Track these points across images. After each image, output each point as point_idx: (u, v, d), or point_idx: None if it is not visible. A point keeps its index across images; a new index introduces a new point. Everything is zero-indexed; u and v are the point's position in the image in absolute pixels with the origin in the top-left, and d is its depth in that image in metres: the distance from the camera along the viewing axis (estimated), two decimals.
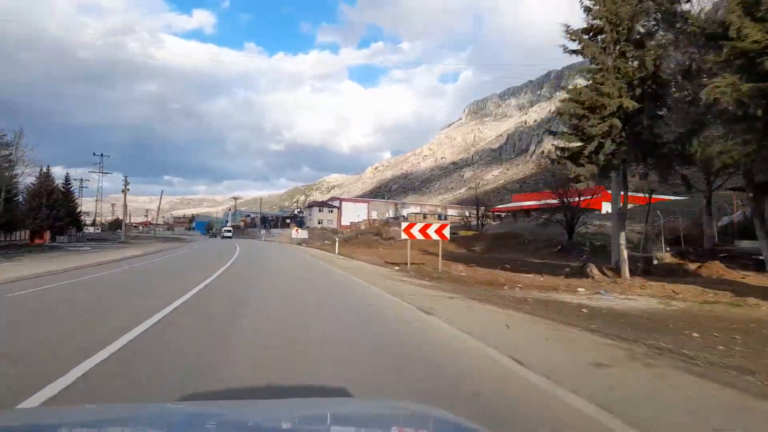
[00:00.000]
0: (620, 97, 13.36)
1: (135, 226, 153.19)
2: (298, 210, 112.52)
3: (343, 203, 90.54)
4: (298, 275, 15.23)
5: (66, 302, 9.02)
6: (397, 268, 17.40)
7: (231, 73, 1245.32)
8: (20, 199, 43.18)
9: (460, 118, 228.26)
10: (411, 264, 18.09)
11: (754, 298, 9.50)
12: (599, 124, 13.48)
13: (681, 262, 18.03)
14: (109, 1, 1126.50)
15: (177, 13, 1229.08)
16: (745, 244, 20.62)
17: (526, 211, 61.56)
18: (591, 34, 14.92)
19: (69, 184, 52.17)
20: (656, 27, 14.73)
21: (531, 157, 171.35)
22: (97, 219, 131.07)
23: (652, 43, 14.04)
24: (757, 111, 10.05)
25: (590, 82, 14.61)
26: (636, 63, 13.85)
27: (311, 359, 4.88)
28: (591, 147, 13.79)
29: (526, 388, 4.03)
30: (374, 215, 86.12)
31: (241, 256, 24.80)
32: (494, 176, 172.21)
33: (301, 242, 48.21)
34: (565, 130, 15.21)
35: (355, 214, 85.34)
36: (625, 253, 15.19)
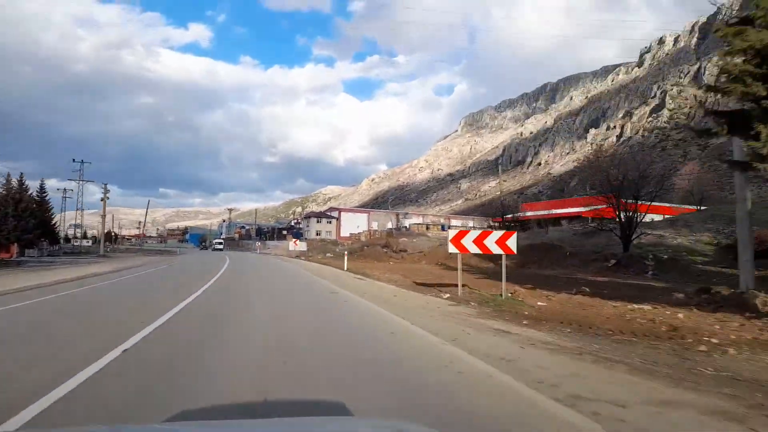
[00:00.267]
0: None
1: (128, 239, 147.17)
2: (295, 221, 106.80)
3: (342, 214, 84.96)
4: (303, 309, 9.86)
5: None
6: (446, 295, 11.93)
7: (226, 86, 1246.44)
8: None
9: (456, 130, 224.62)
10: (461, 287, 12.67)
11: None
12: None
13: None
14: (106, 14, 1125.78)
15: (173, 26, 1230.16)
16: None
17: (555, 220, 56.63)
18: None
19: (44, 192, 46.42)
20: None
21: (528, 168, 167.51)
22: (86, 231, 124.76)
23: None
24: None
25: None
26: None
27: None
28: None
29: None
30: (375, 226, 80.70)
31: (225, 276, 19.30)
32: (491, 187, 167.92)
33: (299, 255, 42.62)
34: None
35: (354, 225, 79.83)
36: None
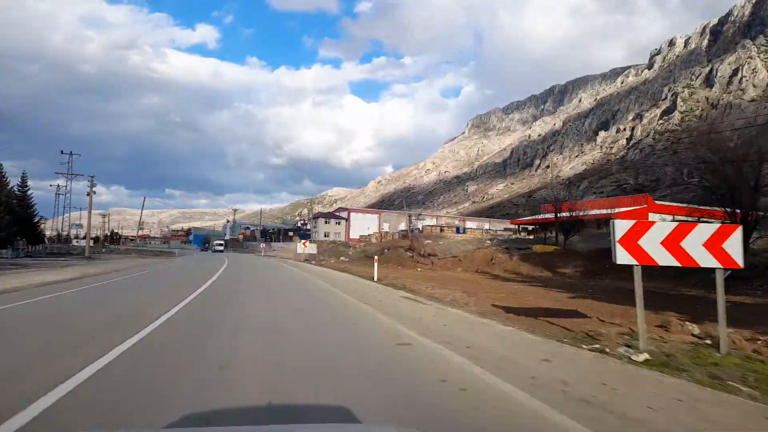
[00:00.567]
0: None
1: (131, 239, 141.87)
2: (302, 222, 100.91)
3: (352, 214, 78.92)
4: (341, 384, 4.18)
5: None
6: (617, 328, 6.11)
7: (233, 87, 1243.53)
8: None
9: (463, 132, 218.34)
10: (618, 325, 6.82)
11: None
12: None
13: None
14: (114, 15, 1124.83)
15: (181, 27, 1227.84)
16: None
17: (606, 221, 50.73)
18: None
19: (26, 187, 40.72)
20: None
21: (536, 170, 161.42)
22: (75, 231, 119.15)
23: None
24: None
25: None
26: None
27: None
28: None
29: None
30: (386, 227, 74.85)
31: (214, 288, 13.58)
32: (499, 190, 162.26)
33: (308, 258, 36.68)
34: None
35: (364, 226, 73.97)
36: None
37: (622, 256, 6.11)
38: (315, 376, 4.50)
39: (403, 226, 75.17)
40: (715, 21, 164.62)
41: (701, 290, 15.29)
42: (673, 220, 25.55)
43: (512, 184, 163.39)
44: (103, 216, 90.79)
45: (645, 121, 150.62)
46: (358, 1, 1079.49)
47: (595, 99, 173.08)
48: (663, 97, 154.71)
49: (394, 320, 8.15)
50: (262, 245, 65.00)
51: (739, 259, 6.10)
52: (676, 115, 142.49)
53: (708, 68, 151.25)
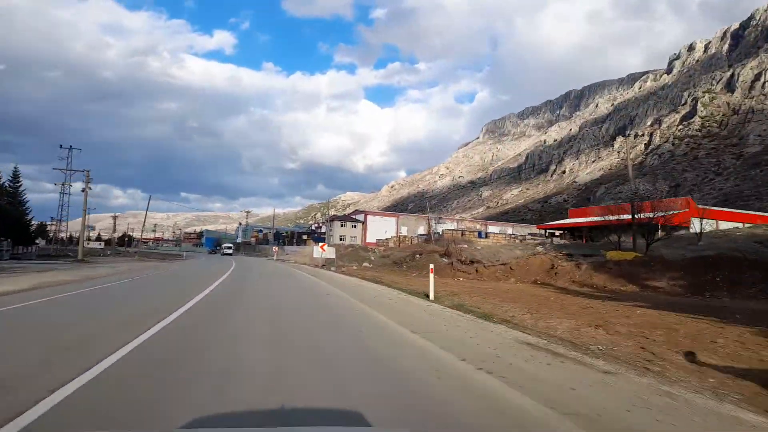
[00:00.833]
0: None
1: (144, 242, 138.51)
2: (316, 225, 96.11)
3: (369, 217, 73.78)
4: None
5: None
6: None
7: (249, 92, 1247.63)
8: None
9: (478, 137, 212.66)
10: None
11: None
12: None
13: None
14: (133, 22, 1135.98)
15: (199, 33, 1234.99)
16: None
17: (620, 226, 45.95)
18: None
19: (18, 182, 36.40)
20: None
21: (551, 176, 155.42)
22: (99, 234, 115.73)
23: None
24: None
25: None
26: None
27: None
28: None
29: None
30: (404, 231, 69.87)
31: (199, 313, 8.84)
32: (513, 195, 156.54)
33: (325, 264, 31.72)
34: None
35: (381, 229, 69.04)
36: None
37: None
38: None
39: (422, 230, 70.19)
40: (736, 25, 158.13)
41: None
42: None
43: (527, 189, 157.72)
44: (114, 218, 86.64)
45: (664, 126, 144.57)
46: (374, 8, 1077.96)
47: (612, 104, 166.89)
48: (683, 102, 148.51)
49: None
50: (275, 248, 60.23)
51: None
52: (697, 120, 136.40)
53: (729, 73, 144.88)
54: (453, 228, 70.44)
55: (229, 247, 71.19)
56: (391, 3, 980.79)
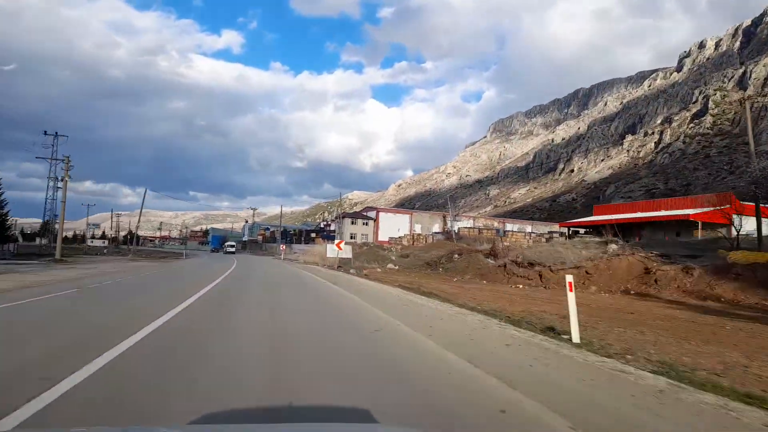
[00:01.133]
0: None
1: (151, 240, 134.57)
2: (325, 222, 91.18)
3: (381, 214, 68.73)
4: None
5: None
6: None
7: (256, 92, 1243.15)
8: None
9: (485, 136, 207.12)
10: None
11: None
12: None
13: None
14: (142, 21, 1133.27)
15: (207, 33, 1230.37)
16: None
17: (649, 224, 42.22)
18: None
19: None
20: None
21: (560, 175, 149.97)
22: (103, 232, 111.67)
23: None
24: None
25: None
26: None
27: None
28: None
29: None
30: (417, 229, 64.84)
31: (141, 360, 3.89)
32: (521, 194, 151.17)
33: (340, 265, 26.70)
34: None
35: (394, 227, 64.09)
36: None
37: None
38: None
39: (437, 228, 64.95)
40: (748, 22, 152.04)
41: None
42: None
43: (535, 188, 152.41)
44: (113, 216, 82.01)
45: (675, 124, 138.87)
46: (381, 7, 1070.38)
47: (621, 102, 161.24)
48: (693, 100, 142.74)
49: None
50: (282, 247, 55.38)
51: None
52: (708, 119, 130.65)
53: (741, 70, 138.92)
54: (469, 226, 65.45)
55: (232, 246, 67.01)
56: (399, 2, 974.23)
